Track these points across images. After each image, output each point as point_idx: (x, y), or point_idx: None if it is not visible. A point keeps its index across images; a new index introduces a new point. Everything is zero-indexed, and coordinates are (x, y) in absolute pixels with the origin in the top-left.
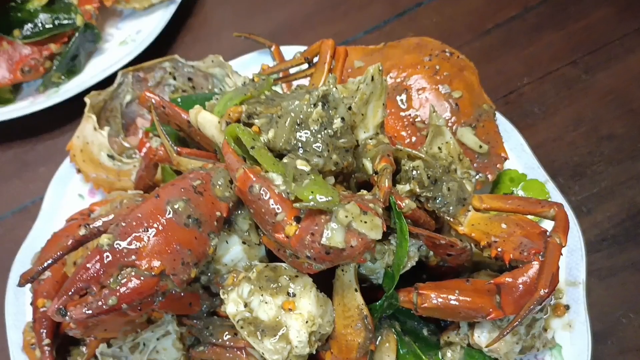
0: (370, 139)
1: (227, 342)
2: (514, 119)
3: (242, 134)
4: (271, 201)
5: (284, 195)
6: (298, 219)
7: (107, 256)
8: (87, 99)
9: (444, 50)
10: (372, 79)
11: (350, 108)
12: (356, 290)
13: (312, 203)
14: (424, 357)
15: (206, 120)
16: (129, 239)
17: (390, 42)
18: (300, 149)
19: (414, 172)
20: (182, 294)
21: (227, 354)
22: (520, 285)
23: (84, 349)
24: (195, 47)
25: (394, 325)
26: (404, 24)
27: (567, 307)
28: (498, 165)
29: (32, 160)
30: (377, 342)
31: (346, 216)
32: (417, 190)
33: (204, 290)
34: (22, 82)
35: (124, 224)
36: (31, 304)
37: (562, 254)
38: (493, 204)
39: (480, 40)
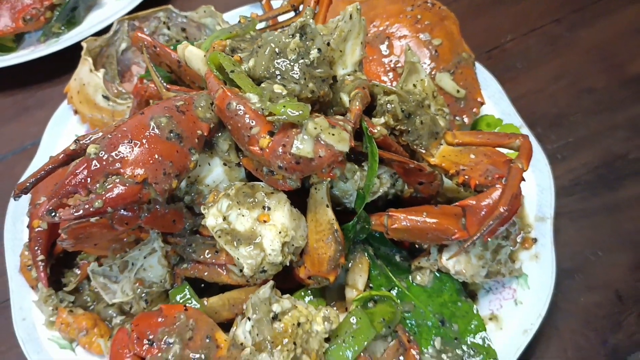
0: (349, 75)
1: (209, 259)
2: (496, 72)
3: (223, 59)
4: (247, 116)
5: (259, 112)
6: (272, 134)
7: (94, 164)
8: (84, 44)
9: (426, 1)
10: (351, 17)
11: (328, 44)
12: (327, 206)
13: (283, 116)
14: (394, 279)
15: (192, 54)
16: (114, 150)
17: None
18: (278, 76)
19: (389, 106)
20: (167, 211)
21: (209, 271)
22: (484, 207)
23: (77, 270)
24: (189, 1)
25: (367, 249)
26: None
27: (534, 240)
28: (475, 110)
29: (32, 105)
30: (351, 264)
31: (315, 128)
32: (392, 122)
33: (188, 210)
34: (24, 31)
35: (110, 137)
36: (28, 226)
37: (524, 179)
38: (464, 138)
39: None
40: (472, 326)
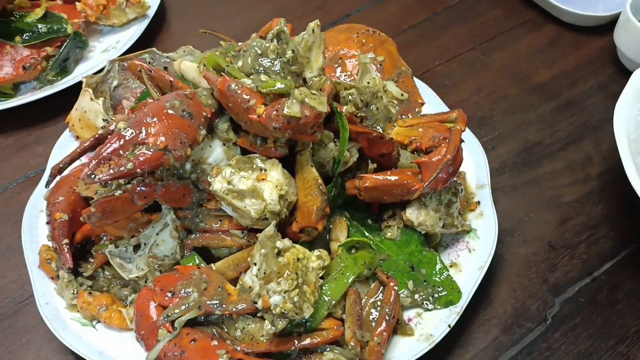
0: (315, 77)
1: (214, 227)
2: (432, 87)
3: (218, 58)
4: (244, 93)
5: (254, 90)
6: (265, 105)
7: (124, 136)
8: (83, 79)
9: (368, 29)
10: (313, 31)
11: (299, 51)
12: (312, 166)
13: (275, 88)
14: (369, 235)
15: (187, 67)
16: (139, 125)
17: (329, 29)
18: (262, 71)
19: (350, 97)
20: (178, 186)
21: (215, 238)
22: (435, 162)
23: (92, 260)
24: (167, 44)
25: (344, 213)
26: None
27: (478, 203)
28: (417, 109)
29: (31, 143)
30: (332, 225)
31: (300, 94)
32: (353, 110)
33: (194, 186)
34: (23, 79)
35: (134, 116)
36: (47, 222)
37: (462, 140)
38: (412, 121)
39: (399, 37)
40: (437, 269)
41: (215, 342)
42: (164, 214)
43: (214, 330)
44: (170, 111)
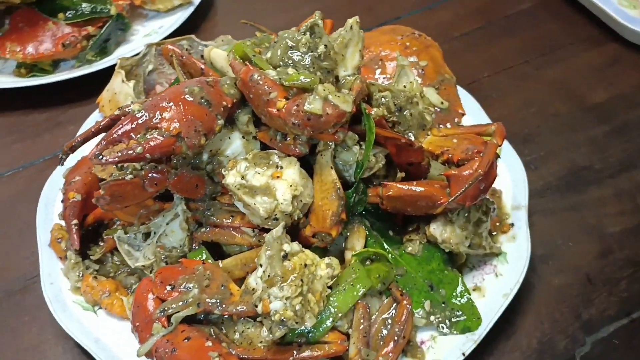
0: (349, 75)
1: (225, 223)
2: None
3: (245, 47)
4: (266, 84)
5: (277, 82)
6: (287, 98)
7: (137, 119)
8: (118, 60)
9: (413, 32)
10: (351, 27)
11: (333, 47)
12: (331, 168)
13: (298, 82)
14: (388, 247)
15: (217, 55)
16: (154, 109)
17: (379, 28)
18: (291, 65)
19: (383, 100)
20: (191, 176)
21: (225, 234)
22: (465, 176)
23: (102, 244)
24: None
25: (364, 222)
26: None
27: (511, 225)
28: (457, 119)
29: (64, 121)
30: (349, 232)
31: (324, 90)
32: (385, 114)
33: (209, 178)
34: (61, 57)
35: (151, 100)
36: (62, 201)
37: (498, 155)
38: (448, 131)
39: (448, 44)
40: (458, 291)
41: (209, 343)
42: (175, 203)
43: (212, 330)
44: (188, 97)
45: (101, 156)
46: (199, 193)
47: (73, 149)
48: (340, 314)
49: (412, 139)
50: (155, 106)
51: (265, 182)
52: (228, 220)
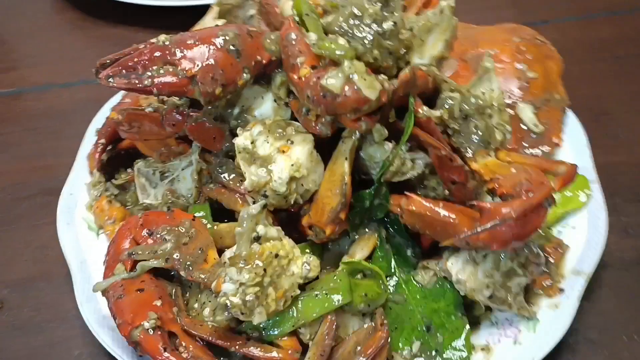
0: (424, 65)
1: (232, 185)
2: (594, 134)
3: (304, 3)
4: (298, 46)
5: (311, 48)
6: (314, 67)
7: (158, 50)
8: None
9: (536, 38)
10: (442, 11)
11: (412, 29)
12: (346, 159)
13: (327, 51)
14: (396, 268)
15: (285, 6)
16: (179, 45)
17: (502, 24)
18: (349, 34)
19: (449, 101)
20: (211, 126)
21: (229, 196)
22: (500, 212)
23: (129, 171)
24: None
25: (380, 231)
26: None
27: (561, 290)
28: (547, 149)
29: None
30: (358, 237)
31: (350, 68)
32: (446, 117)
33: (229, 133)
34: None
35: (181, 35)
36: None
37: (550, 202)
38: (516, 158)
39: (591, 64)
40: (458, 344)
41: (158, 303)
42: (192, 150)
43: (175, 290)
44: (218, 40)
45: (110, 78)
46: (216, 146)
47: (104, 66)
48: (302, 321)
49: (470, 154)
50: (182, 42)
51: (269, 153)
52: (235, 182)
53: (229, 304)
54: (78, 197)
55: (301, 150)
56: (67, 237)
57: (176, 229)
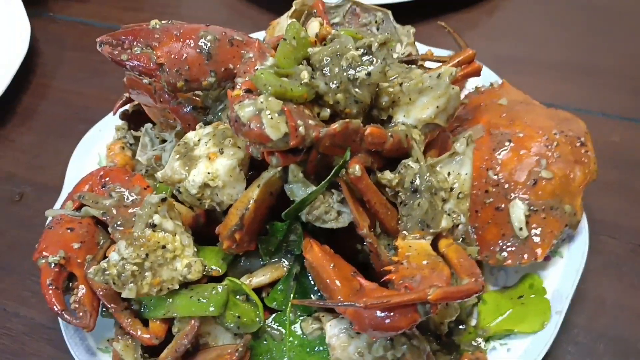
0: (403, 124)
1: None
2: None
3: (291, 27)
4: (247, 67)
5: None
6: (248, 91)
7: (146, 33)
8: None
9: (579, 138)
10: (439, 76)
11: (401, 84)
12: (259, 187)
13: (255, 81)
14: (287, 307)
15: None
16: (165, 33)
17: (558, 110)
18: (323, 69)
19: (403, 170)
20: (186, 112)
21: None
22: (378, 295)
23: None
24: None
25: (294, 266)
26: None
27: None
28: (524, 259)
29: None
30: (266, 264)
31: (262, 103)
32: (394, 184)
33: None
34: None
35: (171, 24)
36: None
37: (433, 310)
38: (454, 255)
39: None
40: None
41: (75, 245)
42: (176, 129)
43: (103, 242)
44: (196, 39)
45: (102, 44)
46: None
47: (106, 42)
48: (174, 313)
49: (400, 229)
50: (168, 31)
51: (199, 155)
52: None
53: (106, 271)
54: (105, 135)
55: (223, 163)
56: (74, 164)
57: (125, 191)
